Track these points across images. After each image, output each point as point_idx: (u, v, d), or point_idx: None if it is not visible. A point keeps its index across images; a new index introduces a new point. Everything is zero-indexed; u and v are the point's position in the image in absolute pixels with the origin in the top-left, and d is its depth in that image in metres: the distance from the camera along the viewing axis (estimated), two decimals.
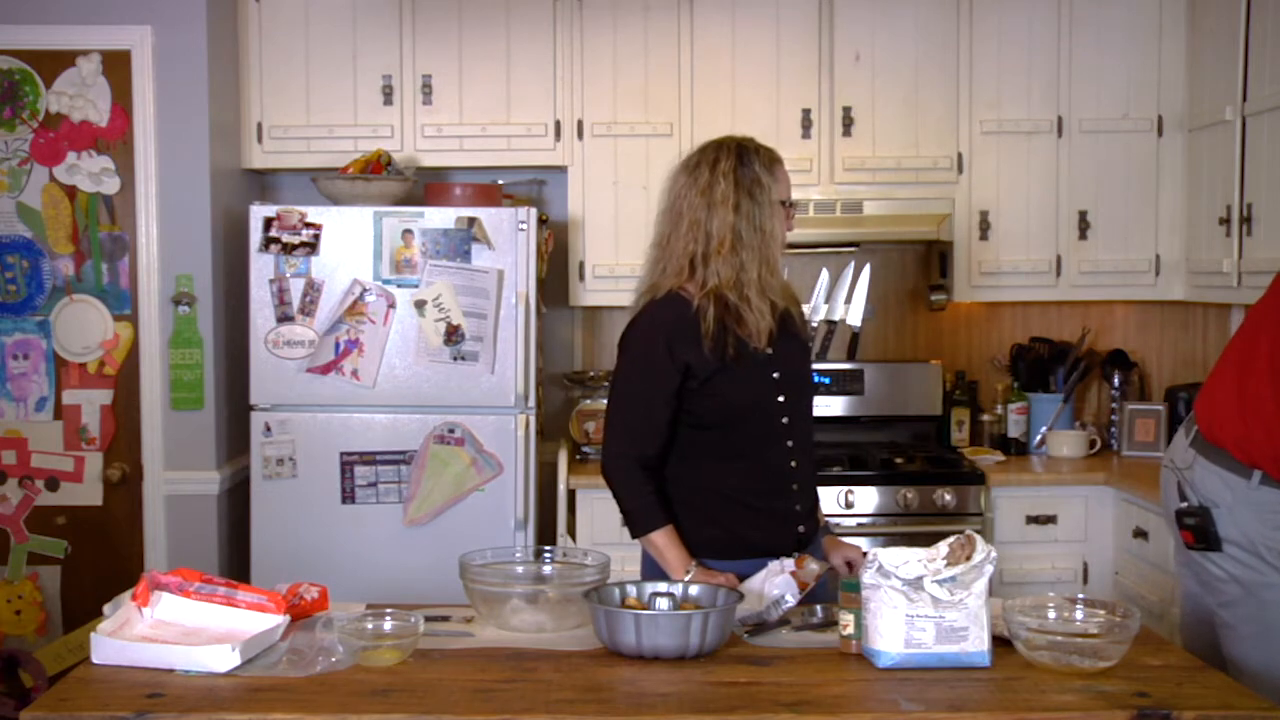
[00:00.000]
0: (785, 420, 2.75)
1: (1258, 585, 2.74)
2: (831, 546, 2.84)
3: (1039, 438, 4.59)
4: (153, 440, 4.09)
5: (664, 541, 2.70)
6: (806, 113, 4.42)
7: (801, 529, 2.77)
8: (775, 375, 2.74)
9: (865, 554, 2.39)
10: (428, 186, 4.23)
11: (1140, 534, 3.93)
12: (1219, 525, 2.77)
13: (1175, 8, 4.40)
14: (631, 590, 2.46)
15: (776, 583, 2.57)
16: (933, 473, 4.20)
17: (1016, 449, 4.56)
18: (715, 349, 2.66)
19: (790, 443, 2.76)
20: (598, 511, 4.15)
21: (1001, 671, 2.24)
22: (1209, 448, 2.82)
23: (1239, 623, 2.76)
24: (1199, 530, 2.80)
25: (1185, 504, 2.84)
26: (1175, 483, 2.89)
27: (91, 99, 4.04)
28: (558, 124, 4.42)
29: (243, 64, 4.37)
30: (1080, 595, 2.42)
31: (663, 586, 2.47)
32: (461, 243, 3.94)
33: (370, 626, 2.36)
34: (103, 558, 4.10)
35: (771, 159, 2.74)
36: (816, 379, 4.23)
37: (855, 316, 4.42)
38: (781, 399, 2.74)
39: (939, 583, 2.24)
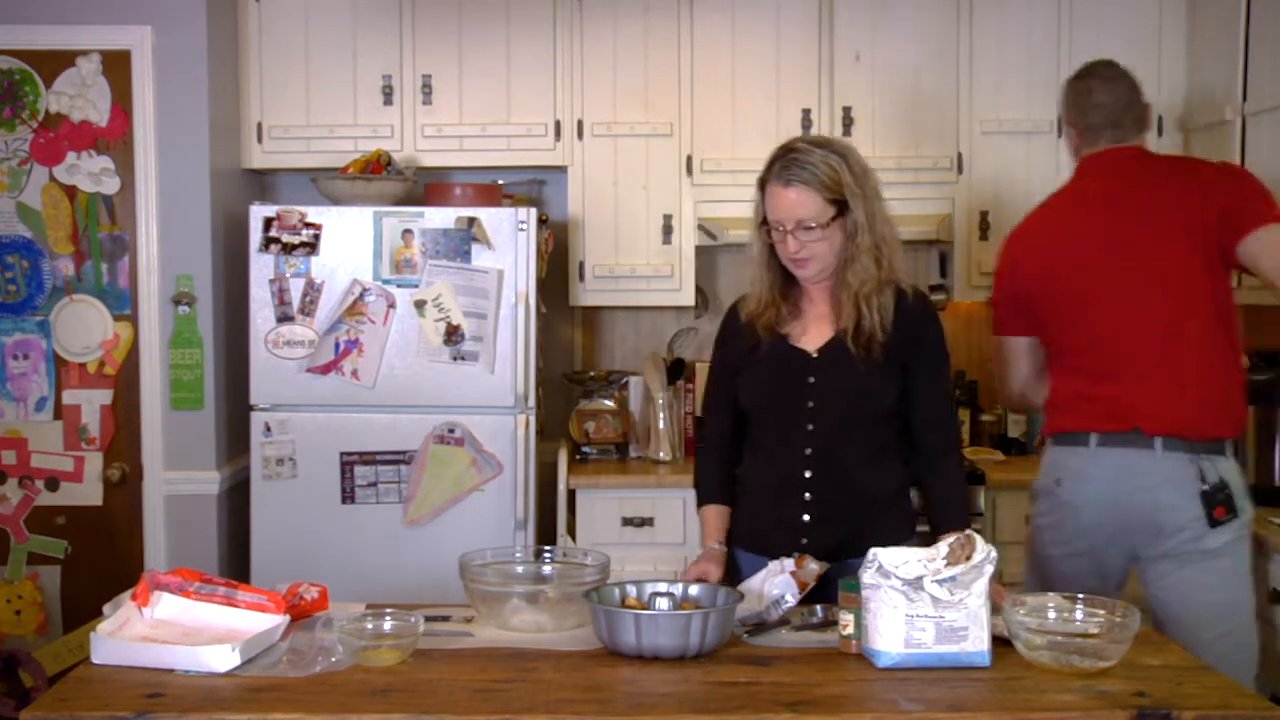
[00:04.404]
0: (810, 427, 2.72)
1: (1245, 525, 2.98)
2: None
3: (1039, 438, 4.59)
4: (153, 440, 4.09)
5: (703, 519, 2.86)
6: (806, 113, 4.42)
7: (805, 540, 2.72)
8: (810, 380, 2.73)
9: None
10: (428, 186, 4.23)
11: None
12: (1235, 495, 2.95)
13: (1175, 8, 4.40)
14: (631, 590, 2.47)
15: (776, 583, 2.57)
16: None
17: (1016, 449, 4.56)
18: (745, 343, 2.79)
19: (809, 451, 2.72)
20: (598, 511, 4.16)
21: (1001, 671, 2.24)
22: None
23: (1236, 567, 2.97)
24: (1229, 503, 2.92)
25: (1207, 485, 2.92)
26: (1196, 468, 2.93)
27: (91, 99, 4.04)
28: (558, 124, 4.43)
29: (243, 64, 4.37)
30: (1080, 595, 2.42)
31: (663, 586, 2.48)
32: (461, 243, 3.94)
33: (370, 626, 2.36)
34: (103, 558, 4.10)
35: (770, 175, 2.70)
36: None
37: None
38: (811, 404, 2.72)
39: (939, 583, 2.24)
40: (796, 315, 2.78)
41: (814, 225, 2.65)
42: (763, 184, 2.72)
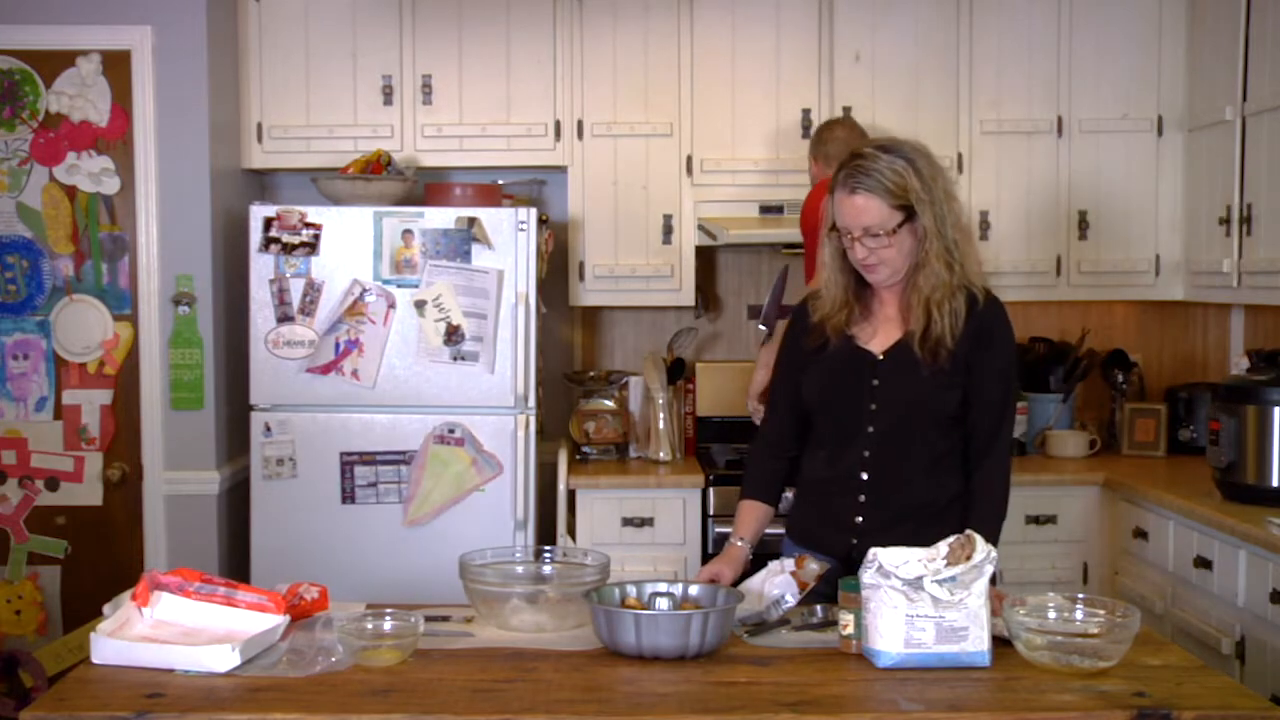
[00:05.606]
0: (870, 429, 2.70)
1: None
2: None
3: (1039, 438, 4.59)
4: (153, 440, 4.09)
5: (737, 513, 2.85)
6: (806, 113, 4.42)
7: (855, 541, 2.68)
8: (874, 382, 2.71)
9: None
10: (428, 186, 4.23)
11: (1140, 534, 3.93)
12: None
13: (1175, 8, 4.40)
14: (631, 590, 2.47)
15: (776, 583, 2.57)
16: None
17: (1016, 449, 4.55)
18: (812, 342, 2.77)
19: (868, 452, 2.70)
20: (598, 511, 4.16)
21: (1001, 671, 2.24)
22: None
23: None
24: None
25: None
26: None
27: (91, 99, 4.04)
28: (558, 124, 4.43)
29: (243, 64, 4.37)
30: (1080, 595, 2.42)
31: (663, 586, 2.48)
32: (461, 243, 3.94)
33: (370, 626, 2.36)
34: (103, 558, 4.10)
35: (837, 181, 2.66)
36: None
37: None
38: (873, 406, 2.70)
39: (939, 583, 2.24)
40: (867, 316, 2.75)
41: (880, 232, 2.61)
42: (832, 190, 2.69)
